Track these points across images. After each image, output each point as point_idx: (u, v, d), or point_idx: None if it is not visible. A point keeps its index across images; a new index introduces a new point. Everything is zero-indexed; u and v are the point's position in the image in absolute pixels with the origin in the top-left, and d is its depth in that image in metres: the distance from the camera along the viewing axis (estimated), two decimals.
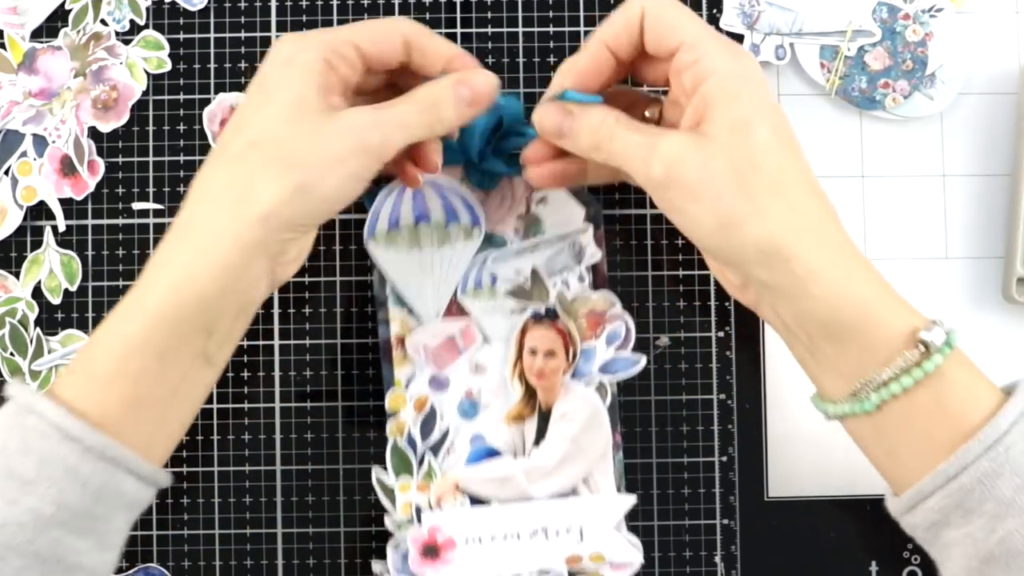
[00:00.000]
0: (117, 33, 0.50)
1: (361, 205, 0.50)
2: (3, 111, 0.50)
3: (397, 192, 0.47)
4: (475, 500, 0.47)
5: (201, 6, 0.51)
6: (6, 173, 0.50)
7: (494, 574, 0.47)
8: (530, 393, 0.47)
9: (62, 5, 0.50)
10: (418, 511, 0.47)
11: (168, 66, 0.50)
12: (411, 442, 0.47)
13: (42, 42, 0.50)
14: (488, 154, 0.47)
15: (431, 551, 0.47)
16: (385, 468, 0.48)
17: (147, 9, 0.51)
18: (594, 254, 0.48)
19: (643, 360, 0.48)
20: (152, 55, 0.50)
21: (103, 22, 0.50)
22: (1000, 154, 0.51)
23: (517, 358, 0.48)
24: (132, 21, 0.50)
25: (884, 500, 0.42)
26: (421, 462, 0.47)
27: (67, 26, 0.50)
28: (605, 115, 0.41)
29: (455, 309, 0.48)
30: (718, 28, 0.50)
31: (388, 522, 0.48)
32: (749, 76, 0.40)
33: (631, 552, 0.47)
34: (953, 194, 0.51)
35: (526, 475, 0.47)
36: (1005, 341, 0.51)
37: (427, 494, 0.47)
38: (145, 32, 0.50)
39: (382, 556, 0.48)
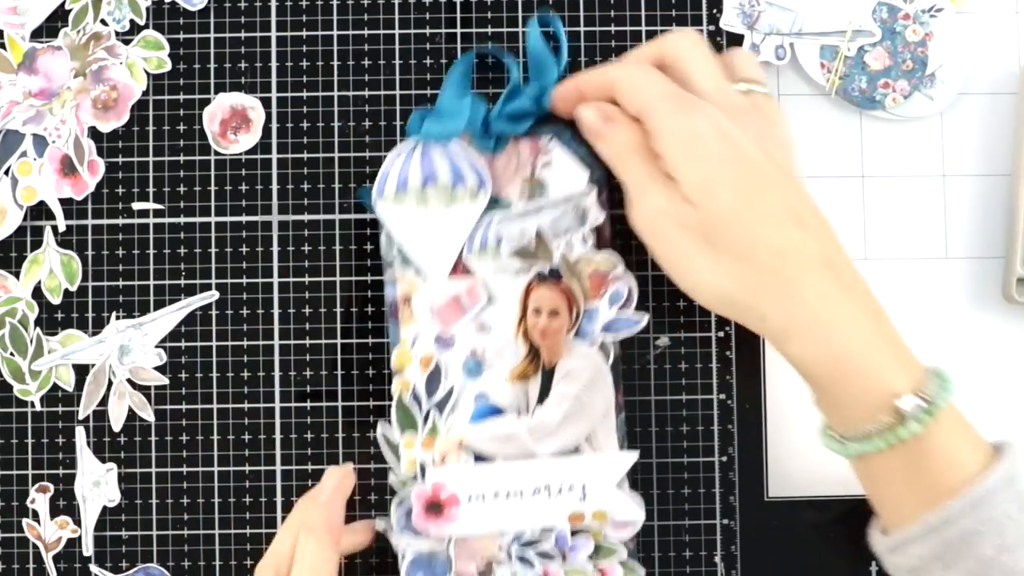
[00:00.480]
0: (117, 33, 0.50)
1: (361, 206, 0.50)
2: (3, 111, 0.50)
3: (406, 154, 0.48)
4: (479, 458, 0.48)
5: (201, 6, 0.51)
6: (6, 173, 0.50)
7: (497, 531, 0.47)
8: (534, 352, 0.48)
9: (62, 5, 0.50)
10: (422, 468, 0.47)
11: (168, 66, 0.50)
12: (416, 399, 0.48)
13: (42, 42, 0.50)
14: (494, 117, 0.47)
15: (435, 507, 0.47)
16: (390, 423, 0.48)
17: (147, 9, 0.51)
18: (597, 216, 0.48)
19: (645, 319, 0.48)
20: (152, 55, 0.50)
21: (103, 22, 0.50)
22: (1000, 154, 0.51)
23: (521, 317, 0.48)
24: (132, 21, 0.50)
25: (868, 536, 0.43)
26: (426, 419, 0.48)
27: (67, 26, 0.50)
28: (630, 137, 0.43)
29: (461, 269, 0.48)
30: (718, 28, 0.51)
31: (392, 479, 0.48)
32: (699, 135, 0.40)
33: (633, 510, 0.48)
34: (953, 194, 0.51)
35: (530, 433, 0.47)
36: (1005, 341, 0.51)
37: (431, 451, 0.48)
38: (145, 32, 0.50)
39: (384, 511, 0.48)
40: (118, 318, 0.49)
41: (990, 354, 0.51)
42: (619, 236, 0.49)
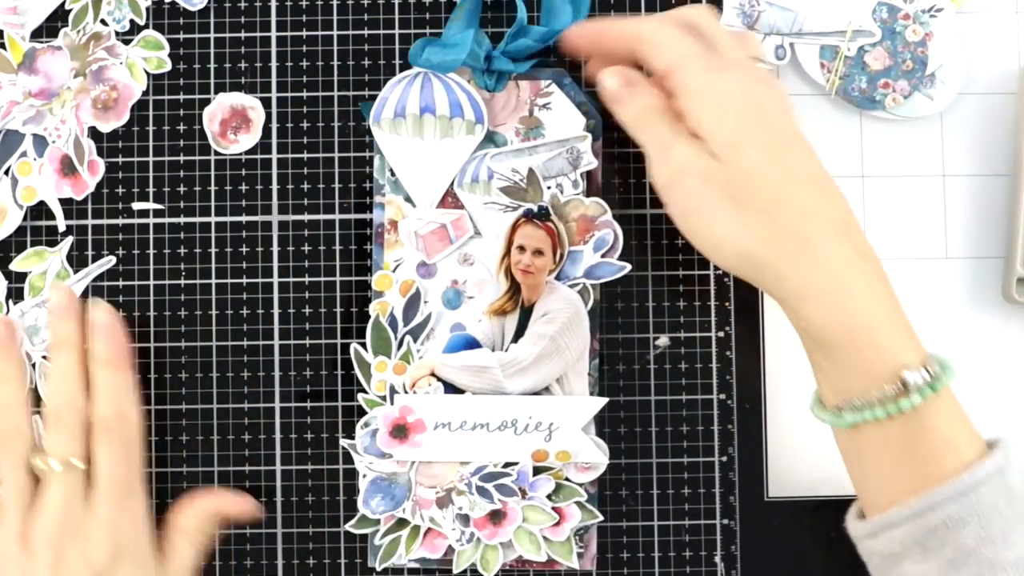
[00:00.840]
0: (117, 33, 0.50)
1: (362, 205, 0.50)
2: (3, 111, 0.49)
3: (406, 82, 0.49)
4: (449, 389, 0.48)
5: (201, 6, 0.51)
6: (6, 173, 0.50)
7: (460, 460, 0.48)
8: (514, 288, 0.48)
9: (62, 5, 0.50)
10: (392, 391, 0.48)
11: (168, 66, 0.50)
12: (392, 323, 0.48)
13: (42, 42, 0.50)
14: (497, 54, 0.48)
15: (400, 431, 0.48)
16: (364, 345, 0.48)
17: (147, 9, 0.51)
18: (590, 162, 0.49)
19: (627, 267, 0.49)
20: (152, 55, 0.50)
21: (103, 22, 0.50)
22: (1000, 154, 0.51)
23: (505, 254, 0.48)
24: (132, 21, 0.50)
25: (845, 521, 0.43)
26: (400, 344, 0.48)
27: (67, 26, 0.50)
28: (652, 100, 0.43)
29: (450, 201, 0.49)
30: None
31: (361, 399, 0.48)
32: (729, 94, 0.41)
33: (596, 454, 0.48)
34: (953, 194, 0.51)
35: (502, 368, 0.48)
36: (1005, 341, 0.51)
37: (402, 376, 0.48)
38: (145, 32, 0.50)
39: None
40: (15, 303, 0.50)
41: (990, 354, 0.51)
42: (608, 189, 0.49)
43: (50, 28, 0.50)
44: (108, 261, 0.50)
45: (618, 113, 0.45)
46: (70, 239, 0.50)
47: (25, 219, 0.50)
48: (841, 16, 0.50)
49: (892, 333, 0.40)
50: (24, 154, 0.50)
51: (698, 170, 0.41)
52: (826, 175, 0.42)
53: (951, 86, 0.50)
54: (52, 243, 0.50)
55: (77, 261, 0.50)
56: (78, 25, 0.50)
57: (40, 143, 0.50)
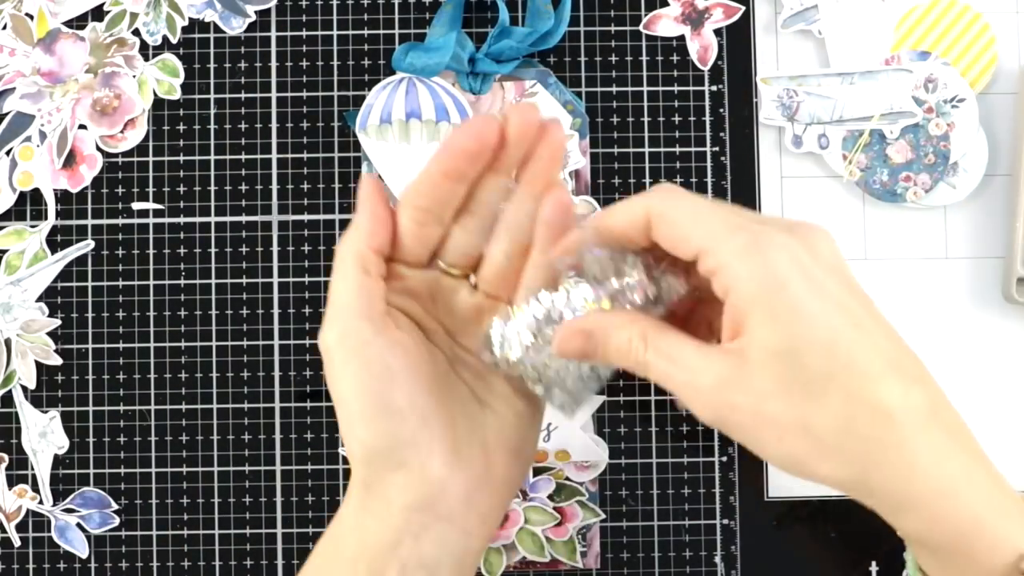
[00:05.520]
0: (144, 45, 0.50)
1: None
2: (7, 78, 0.50)
3: (391, 88, 0.49)
4: None
5: (241, 29, 0.51)
6: (7, 154, 0.50)
7: None
8: None
9: (100, 7, 0.50)
10: None
11: (177, 94, 0.50)
12: None
13: (69, 27, 0.50)
14: (480, 56, 0.49)
15: None
16: None
17: (183, 28, 0.51)
18: (578, 160, 0.49)
19: None
20: (165, 79, 0.50)
21: (135, 32, 0.50)
22: (1000, 154, 0.51)
23: None
24: (165, 37, 0.50)
25: None
26: None
27: (100, 22, 0.50)
28: (631, 335, 0.34)
29: None
30: (756, 122, 0.51)
31: None
32: (781, 279, 0.32)
33: (596, 452, 0.48)
34: None
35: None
36: (1005, 341, 0.51)
37: None
38: (165, 55, 0.50)
39: None
40: None
41: (990, 354, 0.51)
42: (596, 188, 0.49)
43: (80, 26, 0.50)
44: (86, 245, 0.50)
45: (604, 362, 0.35)
46: (51, 222, 0.50)
47: (19, 205, 0.50)
48: (880, 100, 0.50)
49: (1003, 521, 0.34)
50: (28, 139, 0.50)
51: (744, 401, 0.33)
52: (902, 345, 0.34)
53: (974, 173, 0.50)
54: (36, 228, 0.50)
55: (77, 261, 0.50)
56: (112, 28, 0.50)
57: (43, 133, 0.50)
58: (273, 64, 0.51)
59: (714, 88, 0.51)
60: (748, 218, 0.34)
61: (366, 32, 0.51)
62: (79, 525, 0.49)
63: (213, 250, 0.50)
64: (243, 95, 0.51)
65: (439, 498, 0.33)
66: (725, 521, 0.50)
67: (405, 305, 0.35)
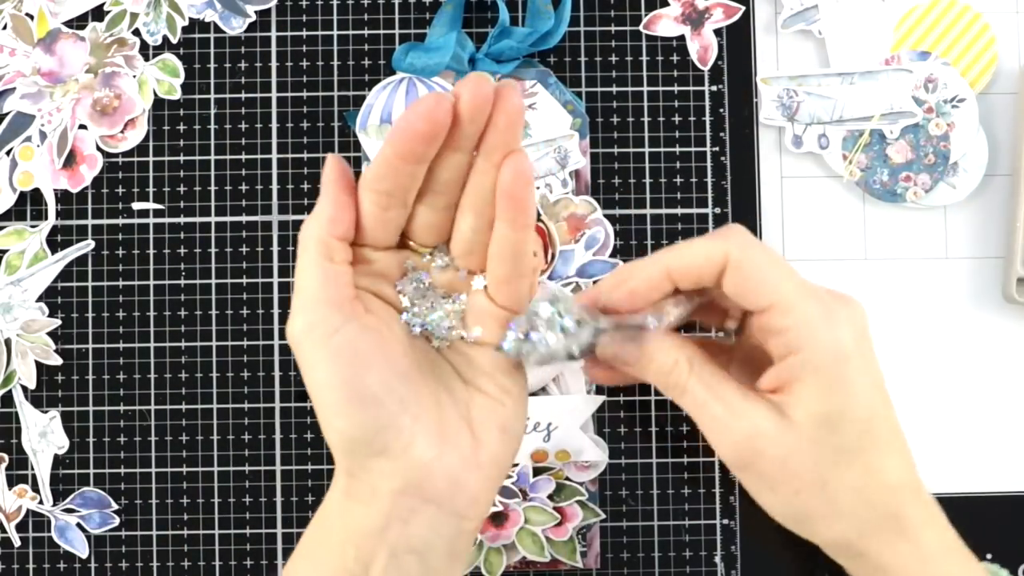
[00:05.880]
0: (144, 45, 0.50)
1: None
2: (7, 78, 0.49)
3: (391, 88, 0.49)
4: None
5: (241, 30, 0.51)
6: (7, 154, 0.50)
7: None
8: None
9: (101, 6, 0.50)
10: None
11: (178, 94, 0.50)
12: None
13: (69, 27, 0.50)
14: (480, 56, 0.49)
15: None
16: None
17: (183, 28, 0.51)
18: (578, 160, 0.49)
19: (620, 264, 0.49)
20: (165, 79, 0.50)
21: (136, 32, 0.50)
22: (1000, 154, 0.51)
23: None
24: (165, 37, 0.50)
25: None
26: None
27: (100, 23, 0.50)
28: (678, 358, 0.35)
29: None
30: (756, 122, 0.51)
31: None
32: (847, 353, 0.34)
33: (596, 452, 0.48)
34: None
35: None
36: (1005, 341, 0.51)
37: None
38: (165, 55, 0.50)
39: None
40: None
41: (990, 354, 0.51)
42: (597, 187, 0.49)
43: (81, 26, 0.50)
44: (86, 245, 0.50)
45: (638, 376, 0.36)
46: (52, 222, 0.50)
47: (18, 205, 0.50)
48: (880, 100, 0.50)
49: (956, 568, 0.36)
50: (29, 139, 0.50)
51: (777, 451, 0.34)
52: (896, 421, 0.36)
53: (974, 173, 0.50)
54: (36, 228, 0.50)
55: (77, 261, 0.50)
56: (112, 28, 0.50)
57: (43, 133, 0.50)
58: (273, 64, 0.51)
59: (714, 88, 0.51)
60: (809, 283, 0.35)
61: (366, 32, 0.51)
62: (79, 525, 0.49)
63: (213, 250, 0.50)
64: (243, 95, 0.51)
65: (426, 481, 0.32)
66: (725, 521, 0.50)
67: (376, 287, 0.34)
